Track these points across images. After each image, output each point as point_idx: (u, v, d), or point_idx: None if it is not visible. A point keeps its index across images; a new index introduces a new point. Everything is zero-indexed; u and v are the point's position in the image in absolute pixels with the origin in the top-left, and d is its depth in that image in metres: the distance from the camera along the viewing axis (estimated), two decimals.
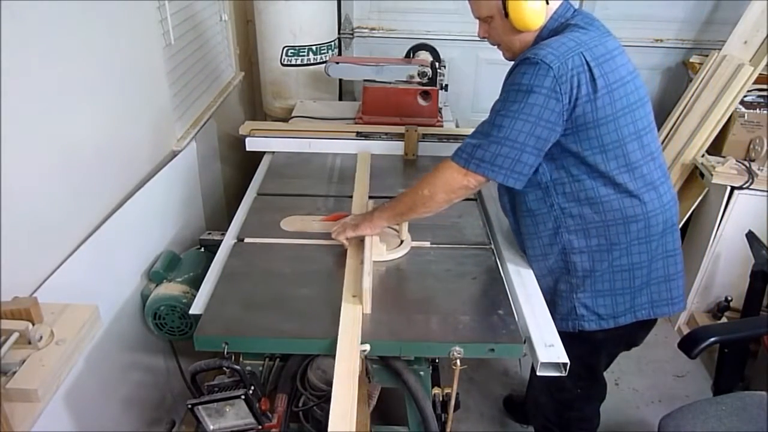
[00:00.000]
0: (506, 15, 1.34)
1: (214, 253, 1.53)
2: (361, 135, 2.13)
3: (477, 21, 1.44)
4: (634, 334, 1.54)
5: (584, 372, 1.57)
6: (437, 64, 2.29)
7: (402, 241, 1.53)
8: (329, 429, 1.03)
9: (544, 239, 1.43)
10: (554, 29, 1.36)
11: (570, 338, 1.41)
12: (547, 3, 1.34)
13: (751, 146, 2.45)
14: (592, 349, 1.53)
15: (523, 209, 1.44)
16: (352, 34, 3.13)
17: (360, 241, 1.48)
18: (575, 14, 1.38)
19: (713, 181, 2.36)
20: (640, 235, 1.38)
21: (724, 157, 2.44)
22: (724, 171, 2.35)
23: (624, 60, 1.34)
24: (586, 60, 1.25)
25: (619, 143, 1.30)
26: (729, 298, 2.47)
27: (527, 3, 1.30)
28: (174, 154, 1.93)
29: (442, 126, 2.30)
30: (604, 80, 1.26)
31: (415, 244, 1.54)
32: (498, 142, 1.27)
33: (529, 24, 1.34)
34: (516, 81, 1.28)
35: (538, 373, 1.21)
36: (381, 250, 1.47)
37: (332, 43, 2.73)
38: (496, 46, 1.46)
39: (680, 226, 1.95)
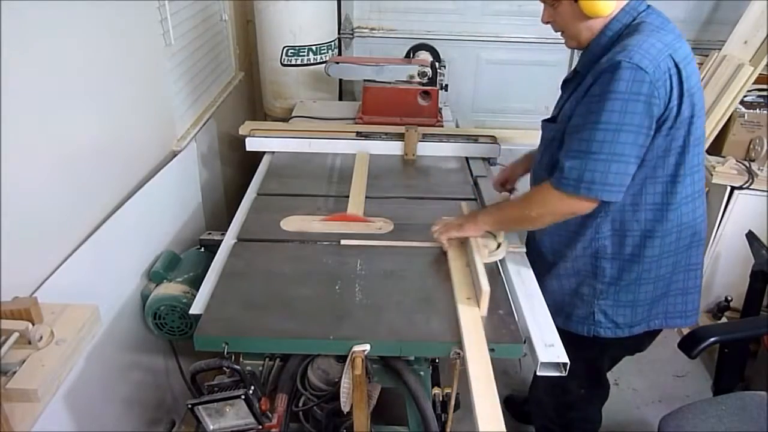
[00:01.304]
0: None
1: (214, 253, 1.53)
2: (361, 135, 2.13)
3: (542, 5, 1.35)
4: (642, 341, 1.54)
5: (589, 374, 1.58)
6: (437, 64, 2.29)
7: (499, 245, 1.50)
8: (480, 430, 1.00)
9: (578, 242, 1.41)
10: (626, 23, 1.28)
11: (579, 340, 1.41)
12: None
13: (751, 146, 2.45)
14: (599, 353, 1.53)
15: None
16: (352, 34, 3.12)
17: (460, 243, 1.47)
18: (648, 11, 1.30)
19: (713, 181, 2.36)
20: (670, 248, 1.36)
21: (724, 157, 2.44)
22: (724, 171, 2.36)
23: (695, 66, 1.28)
24: (675, 62, 1.20)
25: (682, 149, 1.26)
26: (729, 298, 2.47)
27: None
28: (174, 154, 1.92)
29: (442, 126, 2.30)
30: (687, 84, 1.21)
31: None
32: (606, 159, 1.20)
33: (599, 10, 1.25)
34: (611, 89, 1.18)
35: (537, 373, 1.21)
36: (484, 253, 1.44)
37: (332, 43, 2.73)
38: (559, 33, 1.38)
39: None
